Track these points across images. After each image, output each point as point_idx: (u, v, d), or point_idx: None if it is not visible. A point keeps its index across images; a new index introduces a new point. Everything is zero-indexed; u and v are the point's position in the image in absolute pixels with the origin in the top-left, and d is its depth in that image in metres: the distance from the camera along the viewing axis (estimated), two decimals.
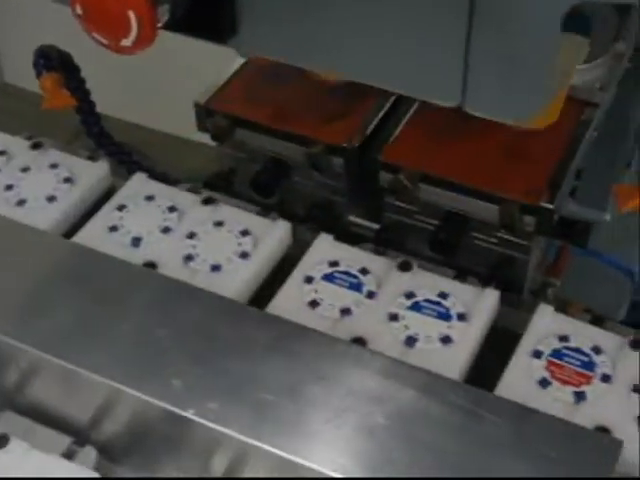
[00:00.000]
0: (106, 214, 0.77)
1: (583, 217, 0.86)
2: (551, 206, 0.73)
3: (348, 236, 0.77)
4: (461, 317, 0.70)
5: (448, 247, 0.77)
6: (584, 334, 0.69)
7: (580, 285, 0.88)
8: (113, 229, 0.76)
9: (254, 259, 0.74)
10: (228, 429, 0.61)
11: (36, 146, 0.83)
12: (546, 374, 0.67)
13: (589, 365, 0.67)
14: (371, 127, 0.79)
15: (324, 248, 0.75)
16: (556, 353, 0.68)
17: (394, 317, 0.70)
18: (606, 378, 0.67)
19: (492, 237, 0.77)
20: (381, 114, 0.80)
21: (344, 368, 0.64)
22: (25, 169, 0.82)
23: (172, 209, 0.77)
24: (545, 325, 0.70)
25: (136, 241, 0.75)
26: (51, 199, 0.78)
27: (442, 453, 0.59)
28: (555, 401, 0.65)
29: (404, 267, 0.73)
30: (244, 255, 0.74)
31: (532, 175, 0.74)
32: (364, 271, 0.73)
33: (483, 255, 0.77)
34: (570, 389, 0.66)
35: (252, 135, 0.80)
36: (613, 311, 0.90)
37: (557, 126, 0.74)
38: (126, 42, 0.51)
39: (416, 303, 0.71)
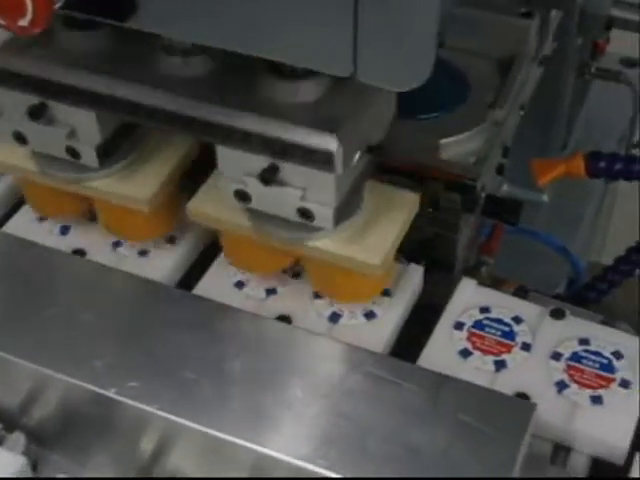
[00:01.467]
0: None
1: (520, 198, 0.87)
2: (474, 183, 0.73)
3: None
4: (385, 292, 0.71)
5: None
6: (505, 305, 0.70)
7: (514, 263, 0.89)
8: (42, 218, 0.77)
9: (181, 243, 0.75)
10: (150, 407, 0.62)
11: None
12: (467, 345, 0.68)
13: (509, 334, 0.68)
14: None
15: None
16: (477, 324, 0.69)
17: (318, 294, 0.71)
18: (526, 346, 0.68)
19: (421, 216, 0.77)
20: None
21: (265, 344, 0.65)
22: None
23: None
24: (467, 298, 0.71)
25: (64, 229, 0.76)
26: None
27: (359, 422, 0.60)
28: (476, 370, 0.66)
29: None
30: (171, 239, 0.75)
31: None
32: None
33: (414, 234, 0.78)
34: (491, 358, 0.67)
35: None
36: (549, 289, 0.91)
37: None
38: (23, 22, 0.51)
39: None
